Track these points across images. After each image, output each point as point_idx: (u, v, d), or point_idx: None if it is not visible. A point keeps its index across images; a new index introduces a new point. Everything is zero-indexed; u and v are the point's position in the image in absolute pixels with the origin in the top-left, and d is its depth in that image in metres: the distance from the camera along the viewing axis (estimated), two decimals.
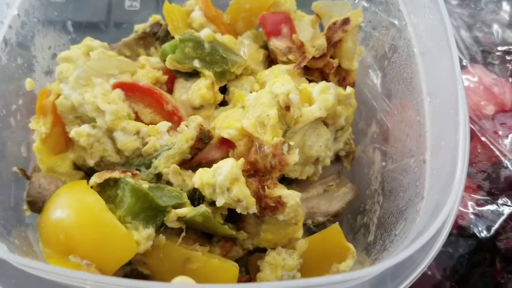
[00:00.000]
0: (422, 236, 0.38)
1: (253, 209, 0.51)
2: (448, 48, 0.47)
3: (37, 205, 0.52)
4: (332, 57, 0.64)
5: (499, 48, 0.86)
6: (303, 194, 0.62)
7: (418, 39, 0.55)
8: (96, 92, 0.55)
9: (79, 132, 0.54)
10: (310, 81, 0.65)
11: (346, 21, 0.62)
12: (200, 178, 0.51)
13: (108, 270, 0.47)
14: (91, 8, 0.70)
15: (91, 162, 0.56)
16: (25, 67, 0.57)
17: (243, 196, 0.50)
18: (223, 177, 0.49)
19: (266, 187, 0.52)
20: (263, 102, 0.56)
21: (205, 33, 0.61)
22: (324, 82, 0.58)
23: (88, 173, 0.58)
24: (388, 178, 0.59)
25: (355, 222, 0.65)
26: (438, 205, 0.40)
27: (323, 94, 0.57)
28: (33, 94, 0.57)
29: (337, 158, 0.68)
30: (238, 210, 0.51)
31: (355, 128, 0.68)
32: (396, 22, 0.60)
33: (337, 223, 0.58)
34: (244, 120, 0.55)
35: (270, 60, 0.69)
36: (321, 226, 0.62)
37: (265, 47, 0.68)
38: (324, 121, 0.60)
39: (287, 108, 0.55)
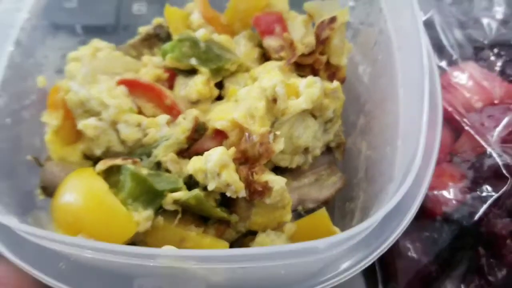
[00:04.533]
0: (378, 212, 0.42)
1: (242, 193, 0.56)
2: (418, 43, 0.51)
3: (49, 190, 0.58)
4: (321, 53, 0.68)
5: (491, 44, 0.89)
6: (294, 182, 0.67)
7: (396, 35, 0.59)
8: (101, 88, 0.61)
9: (86, 124, 0.60)
10: (301, 76, 0.69)
11: (333, 19, 0.66)
12: (193, 165, 0.57)
13: None
14: (100, 11, 0.76)
15: (98, 152, 0.61)
16: (37, 66, 0.63)
17: (232, 181, 0.55)
18: (213, 163, 0.54)
19: (254, 173, 0.57)
20: (253, 96, 0.60)
21: (200, 33, 0.66)
22: (310, 76, 0.63)
23: (96, 162, 0.63)
24: (370, 165, 0.63)
25: (344, 208, 0.70)
26: (400, 185, 0.44)
27: (309, 88, 0.61)
28: (45, 91, 0.62)
29: (328, 149, 0.72)
30: (228, 194, 0.56)
31: (346, 121, 0.72)
32: (379, 20, 0.64)
33: (323, 208, 0.62)
34: (235, 112, 0.60)
35: (266, 58, 0.74)
36: (311, 212, 0.66)
37: (261, 45, 0.73)
38: (312, 114, 0.65)
39: (274, 100, 0.60)
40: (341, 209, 0.70)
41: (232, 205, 0.60)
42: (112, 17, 0.81)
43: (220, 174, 0.54)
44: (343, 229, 0.62)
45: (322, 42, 0.67)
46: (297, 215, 0.66)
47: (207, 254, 0.45)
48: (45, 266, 0.51)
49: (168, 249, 0.48)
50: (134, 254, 0.43)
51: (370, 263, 0.49)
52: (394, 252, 0.69)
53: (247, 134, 0.59)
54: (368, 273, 0.72)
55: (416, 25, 0.52)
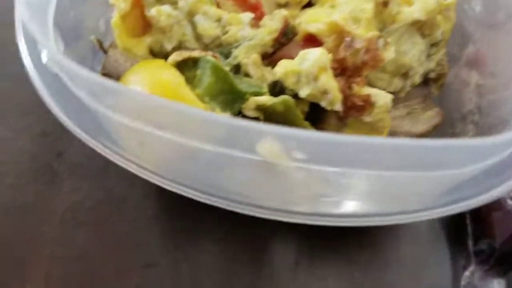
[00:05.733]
0: None
1: (339, 105, 0.47)
2: None
3: (111, 79, 0.50)
4: None
5: None
6: None
7: None
8: None
9: (159, 10, 0.51)
10: None
11: None
12: (284, 66, 0.47)
13: None
14: None
15: (168, 47, 0.52)
16: None
17: (330, 87, 0.46)
18: (310, 63, 0.45)
19: (355, 84, 0.47)
20: None
21: None
22: None
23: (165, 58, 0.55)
24: (485, 94, 0.53)
25: None
26: None
27: None
28: None
29: (425, 82, 0.62)
30: (323, 104, 0.47)
31: (447, 52, 0.62)
32: None
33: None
34: (335, 14, 0.50)
35: None
36: None
37: None
38: (420, 32, 0.55)
39: (385, 3, 0.50)
40: None
41: (320, 123, 0.51)
42: None
43: (317, 78, 0.45)
44: None
45: None
46: None
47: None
48: None
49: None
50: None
51: None
52: (490, 204, 0.59)
53: (348, 39, 0.49)
54: (455, 227, 0.62)
55: None
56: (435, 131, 0.58)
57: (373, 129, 0.49)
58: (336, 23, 0.50)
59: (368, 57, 0.47)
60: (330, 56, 0.48)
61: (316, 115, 0.50)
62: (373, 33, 0.48)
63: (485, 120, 0.51)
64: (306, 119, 0.51)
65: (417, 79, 0.58)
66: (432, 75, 0.61)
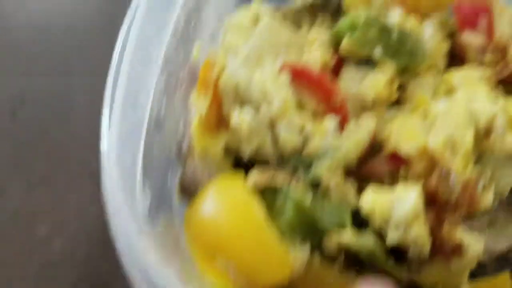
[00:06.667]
0: None
1: (426, 251, 0.44)
2: None
3: (188, 191, 0.48)
4: None
5: None
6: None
7: None
8: (266, 73, 0.48)
9: (241, 118, 0.48)
10: (507, 90, 0.54)
11: None
12: (373, 203, 0.44)
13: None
14: None
15: (246, 151, 0.50)
16: (195, 30, 0.51)
17: (422, 236, 0.42)
18: (404, 213, 0.42)
19: (447, 225, 0.44)
20: (456, 119, 0.46)
21: (394, 18, 0.51)
22: None
23: (237, 158, 0.52)
24: None
25: None
26: None
27: None
28: (195, 64, 0.51)
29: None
30: (409, 253, 0.44)
31: None
32: None
33: (507, 273, 0.49)
34: (430, 137, 0.46)
35: (452, 54, 0.58)
36: (481, 266, 0.54)
37: (450, 36, 0.57)
38: None
39: (487, 133, 0.46)
40: None
41: (401, 254, 0.48)
42: None
43: (410, 227, 0.42)
44: None
45: None
46: None
47: None
48: None
49: None
50: None
51: None
52: None
53: (443, 170, 0.45)
54: None
55: None
56: None
57: (451, 279, 0.46)
58: (430, 150, 0.46)
59: (464, 198, 0.43)
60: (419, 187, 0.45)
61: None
62: (473, 171, 0.44)
63: None
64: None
65: (508, 188, 0.53)
66: None
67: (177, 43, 0.47)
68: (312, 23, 0.61)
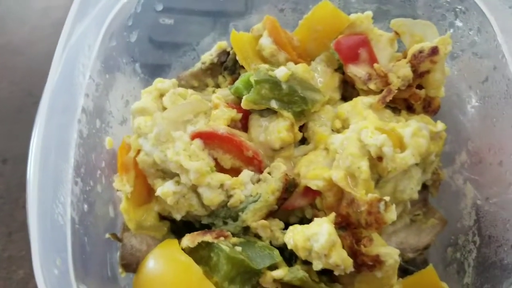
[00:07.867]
0: None
1: (351, 268, 0.49)
2: None
3: (131, 267, 0.53)
4: (418, 87, 0.59)
5: None
6: (390, 227, 0.60)
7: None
8: (177, 148, 0.53)
9: (165, 192, 0.53)
10: (393, 109, 0.61)
11: (434, 50, 0.56)
12: (294, 240, 0.50)
13: None
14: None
15: (177, 217, 0.55)
16: (103, 127, 0.55)
17: (341, 260, 0.48)
18: (320, 245, 0.48)
19: (362, 245, 0.50)
20: (352, 153, 0.52)
21: (281, 73, 0.56)
22: (415, 123, 0.54)
23: (172, 222, 0.57)
24: (486, 220, 0.55)
25: (445, 252, 0.63)
26: None
27: (416, 137, 0.53)
28: (113, 151, 0.55)
29: (423, 186, 0.64)
30: (336, 273, 0.49)
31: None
32: (492, 52, 0.54)
33: (431, 264, 0.56)
34: (333, 172, 0.52)
35: (345, 83, 0.65)
36: (410, 262, 0.60)
37: (340, 69, 0.64)
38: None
39: (379, 159, 0.52)
40: (442, 254, 0.63)
41: (334, 277, 0.53)
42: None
43: (328, 255, 0.48)
44: (447, 280, 0.56)
45: (420, 75, 0.58)
46: None
47: None
48: None
49: None
50: None
51: None
52: None
53: (349, 198, 0.51)
54: None
55: None
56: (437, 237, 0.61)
57: (382, 283, 0.52)
58: (335, 182, 0.52)
59: (371, 219, 0.49)
60: (333, 215, 0.51)
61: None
62: (373, 196, 0.49)
63: (487, 252, 0.53)
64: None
65: (416, 196, 0.59)
66: (429, 182, 0.63)
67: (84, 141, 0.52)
68: (215, 82, 0.68)
